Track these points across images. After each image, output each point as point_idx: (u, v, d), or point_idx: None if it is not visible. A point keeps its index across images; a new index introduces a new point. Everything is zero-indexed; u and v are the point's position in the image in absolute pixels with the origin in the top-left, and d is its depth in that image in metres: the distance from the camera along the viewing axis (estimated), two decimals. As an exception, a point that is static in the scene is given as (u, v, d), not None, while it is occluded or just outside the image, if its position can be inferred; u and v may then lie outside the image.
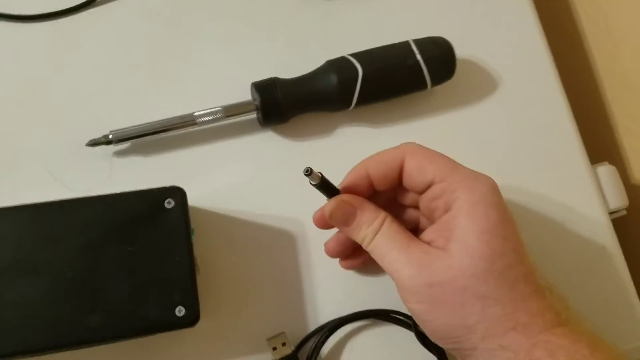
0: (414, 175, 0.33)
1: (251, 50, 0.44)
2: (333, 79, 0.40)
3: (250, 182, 0.41)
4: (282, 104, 0.40)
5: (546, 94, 0.45)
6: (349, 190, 0.34)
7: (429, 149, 0.33)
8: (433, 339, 0.33)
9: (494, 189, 0.31)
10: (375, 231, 0.32)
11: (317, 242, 0.39)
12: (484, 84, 0.45)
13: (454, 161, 0.33)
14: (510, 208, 0.32)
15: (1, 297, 0.30)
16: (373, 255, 0.33)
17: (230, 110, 0.41)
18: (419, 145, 0.34)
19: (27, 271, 0.31)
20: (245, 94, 0.42)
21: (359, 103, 0.41)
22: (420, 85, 0.42)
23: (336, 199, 0.34)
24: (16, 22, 0.42)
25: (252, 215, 0.40)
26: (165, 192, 0.33)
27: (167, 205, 0.33)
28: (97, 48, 0.43)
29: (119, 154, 0.40)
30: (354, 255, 0.38)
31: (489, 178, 0.32)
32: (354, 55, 0.41)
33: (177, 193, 0.34)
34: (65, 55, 0.42)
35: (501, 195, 0.32)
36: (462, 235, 0.30)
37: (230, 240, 0.39)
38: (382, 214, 0.33)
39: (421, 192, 0.34)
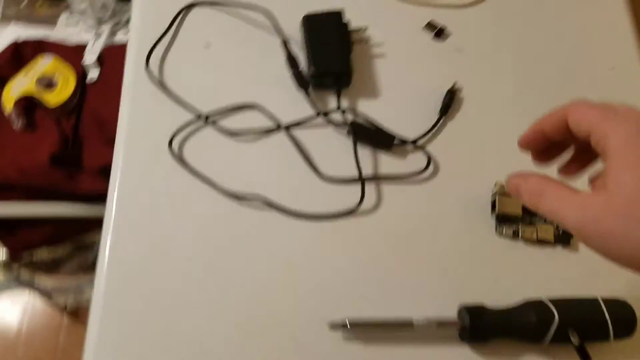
0: (575, 132, 0.33)
1: (459, 275, 0.55)
2: (532, 317, 0.49)
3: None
4: (486, 328, 0.49)
5: None
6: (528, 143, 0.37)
7: (592, 103, 0.33)
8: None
9: None
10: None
11: None
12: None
13: (608, 109, 0.31)
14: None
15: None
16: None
17: (441, 324, 0.50)
18: (583, 101, 0.33)
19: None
20: (446, 311, 0.51)
21: (551, 342, 0.49)
22: (603, 337, 0.50)
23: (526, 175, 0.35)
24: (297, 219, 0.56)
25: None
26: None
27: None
28: (352, 248, 0.55)
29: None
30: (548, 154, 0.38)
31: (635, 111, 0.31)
32: (552, 301, 0.50)
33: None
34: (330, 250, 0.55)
35: None
36: (616, 175, 0.29)
37: None
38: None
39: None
